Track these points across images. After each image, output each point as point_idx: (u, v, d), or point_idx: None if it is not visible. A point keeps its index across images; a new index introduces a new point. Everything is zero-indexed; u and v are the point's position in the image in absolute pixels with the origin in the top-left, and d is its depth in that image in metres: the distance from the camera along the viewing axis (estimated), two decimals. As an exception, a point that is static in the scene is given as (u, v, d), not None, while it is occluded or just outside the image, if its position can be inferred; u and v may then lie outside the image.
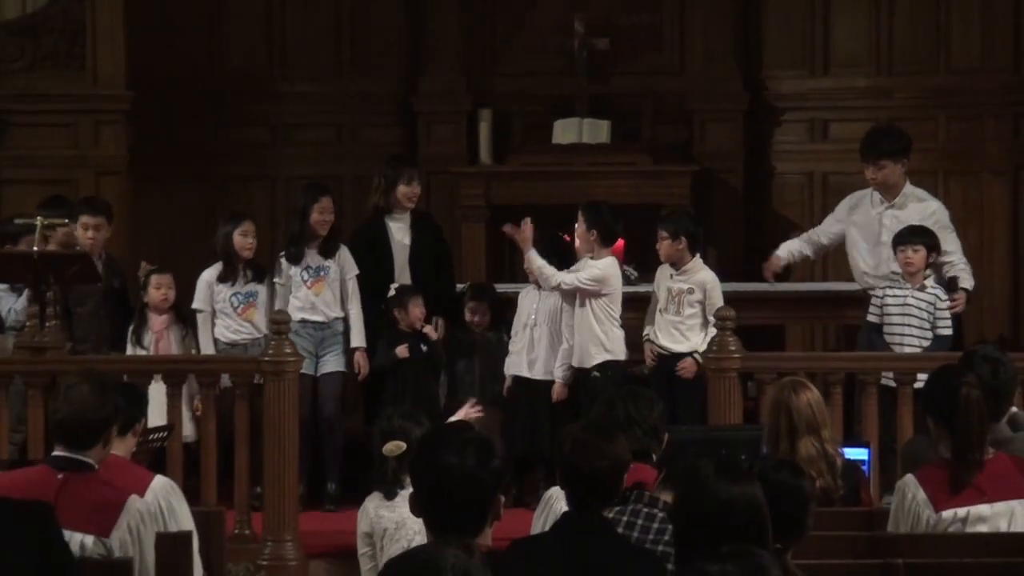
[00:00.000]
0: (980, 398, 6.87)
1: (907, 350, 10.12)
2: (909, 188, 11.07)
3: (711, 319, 10.07)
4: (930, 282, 10.41)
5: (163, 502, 7.10)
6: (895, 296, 10.39)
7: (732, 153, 13.19)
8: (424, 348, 10.72)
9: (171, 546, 6.96)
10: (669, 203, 12.77)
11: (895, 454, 8.93)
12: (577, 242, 10.64)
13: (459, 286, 11.39)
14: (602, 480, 5.55)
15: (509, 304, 10.94)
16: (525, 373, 10.66)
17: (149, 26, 12.75)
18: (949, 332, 10.36)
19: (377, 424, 7.76)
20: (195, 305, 10.77)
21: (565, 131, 13.06)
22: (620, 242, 11.70)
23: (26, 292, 10.40)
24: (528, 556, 5.38)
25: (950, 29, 13.02)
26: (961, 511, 6.86)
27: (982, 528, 6.85)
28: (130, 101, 12.35)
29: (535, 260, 10.42)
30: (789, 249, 11.29)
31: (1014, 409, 7.63)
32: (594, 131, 13.03)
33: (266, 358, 9.53)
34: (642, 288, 11.62)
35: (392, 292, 10.85)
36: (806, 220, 13.03)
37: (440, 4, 13.35)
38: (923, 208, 10.98)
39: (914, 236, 10.50)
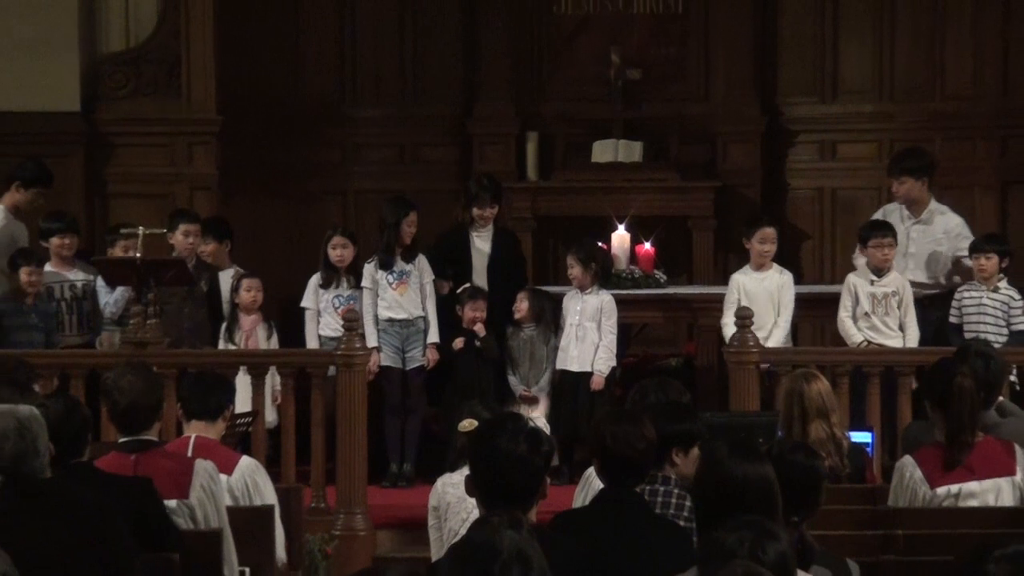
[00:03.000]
0: (973, 387, 6.89)
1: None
2: (935, 205, 11.08)
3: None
4: (1004, 284, 10.42)
5: (249, 480, 7.16)
6: (971, 297, 10.40)
7: (751, 171, 13.16)
8: (477, 344, 10.75)
9: (256, 519, 7.02)
10: (695, 215, 12.80)
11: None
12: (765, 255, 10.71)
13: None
14: (635, 461, 5.57)
15: (554, 303, 10.97)
16: (570, 367, 10.69)
17: (236, 58, 12.79)
18: None
19: (461, 410, 7.84)
20: (302, 303, 10.89)
21: (603, 151, 13.06)
22: (651, 250, 11.74)
23: (120, 289, 10.50)
24: (570, 528, 5.40)
25: (945, 61, 12.97)
26: (954, 488, 6.88)
27: (973, 503, 6.87)
28: (220, 124, 12.40)
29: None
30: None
31: (1001, 398, 7.64)
32: (628, 151, 13.02)
33: (339, 352, 9.57)
34: (670, 290, 11.63)
35: (460, 290, 10.91)
36: (817, 231, 13.03)
37: (492, 38, 13.35)
38: (946, 222, 10.99)
39: (988, 244, 10.54)
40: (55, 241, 10.75)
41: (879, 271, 10.45)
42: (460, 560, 3.73)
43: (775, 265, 10.76)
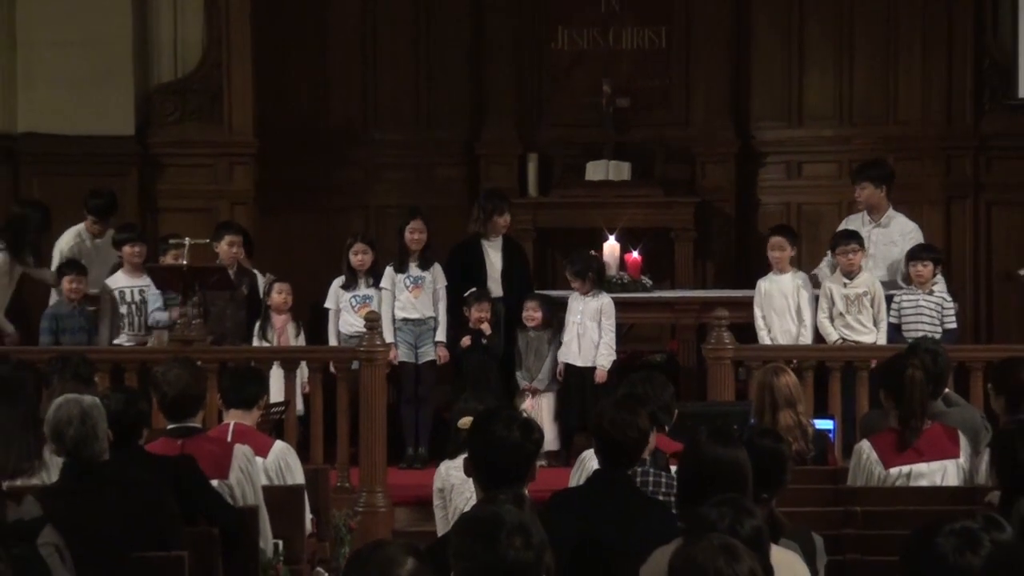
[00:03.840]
0: (922, 378, 6.90)
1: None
2: (892, 212, 11.10)
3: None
4: (938, 287, 10.42)
5: (282, 462, 7.17)
6: (909, 300, 10.37)
7: (726, 188, 13.16)
8: (483, 341, 10.75)
9: (287, 496, 7.03)
10: (677, 227, 12.79)
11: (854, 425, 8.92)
12: (780, 261, 10.60)
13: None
14: (629, 447, 5.56)
15: (557, 306, 10.94)
16: (573, 361, 10.68)
17: (272, 88, 12.81)
18: (955, 326, 10.37)
19: (456, 405, 7.84)
20: (326, 304, 10.89)
21: (595, 170, 13.06)
22: (639, 258, 11.73)
23: (159, 293, 10.53)
24: (567, 505, 5.40)
25: (897, 90, 12.97)
26: (905, 468, 6.90)
27: (922, 482, 6.89)
28: (256, 147, 12.42)
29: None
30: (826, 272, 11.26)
31: (947, 390, 7.65)
32: (618, 170, 13.02)
33: (361, 348, 9.55)
34: (655, 294, 11.64)
35: (467, 294, 10.90)
36: (784, 241, 13.02)
37: (497, 71, 13.36)
38: (902, 224, 11.02)
39: (924, 252, 10.53)
40: (127, 249, 10.78)
41: (849, 274, 10.45)
42: (469, 530, 3.75)
43: (793, 270, 10.68)
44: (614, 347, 10.72)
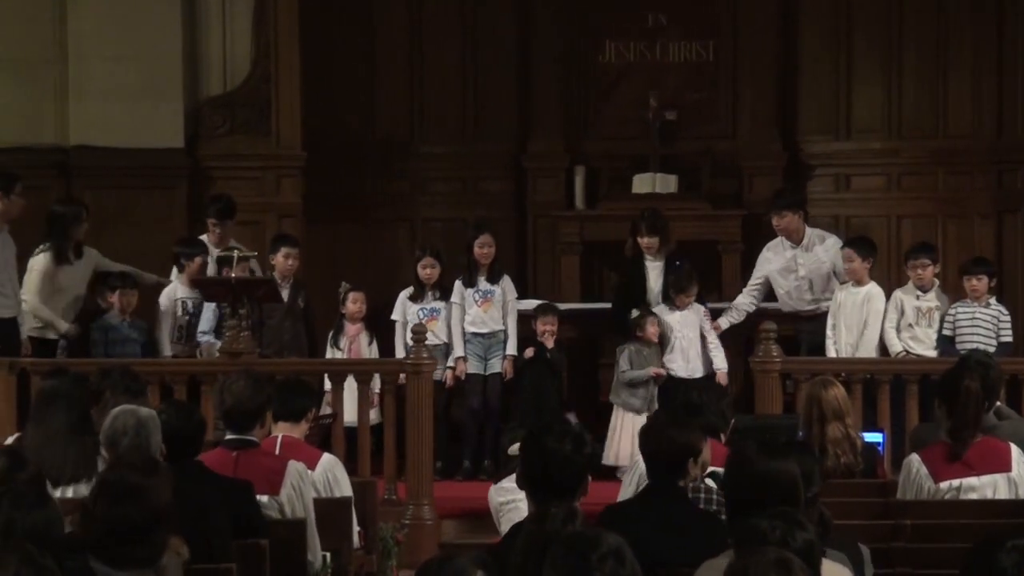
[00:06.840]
0: (978, 389, 6.87)
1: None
2: (810, 231, 11.08)
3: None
4: (993, 300, 10.36)
5: (329, 475, 7.17)
6: (965, 313, 10.33)
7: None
8: (547, 355, 10.72)
9: (335, 509, 7.03)
10: (724, 240, 12.74)
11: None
12: (852, 272, 10.54)
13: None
14: (681, 460, 5.49)
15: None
16: (679, 372, 10.60)
17: (319, 101, 12.85)
18: (1010, 339, 10.32)
19: (506, 434, 7.87)
20: (393, 316, 10.90)
21: (642, 183, 13.04)
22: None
23: (213, 306, 10.54)
24: (619, 518, 5.37)
25: (947, 103, 12.93)
26: (955, 482, 6.85)
27: (972, 496, 6.84)
28: (304, 160, 12.46)
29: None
30: (729, 320, 11.15)
31: (999, 403, 7.61)
32: (665, 183, 12.99)
33: (408, 361, 9.54)
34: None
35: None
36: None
37: (545, 84, 13.35)
38: (825, 240, 10.99)
39: (978, 266, 10.50)
40: (190, 265, 10.79)
41: (922, 287, 10.41)
42: (568, 544, 3.76)
43: (871, 282, 10.62)
44: (722, 349, 10.70)
